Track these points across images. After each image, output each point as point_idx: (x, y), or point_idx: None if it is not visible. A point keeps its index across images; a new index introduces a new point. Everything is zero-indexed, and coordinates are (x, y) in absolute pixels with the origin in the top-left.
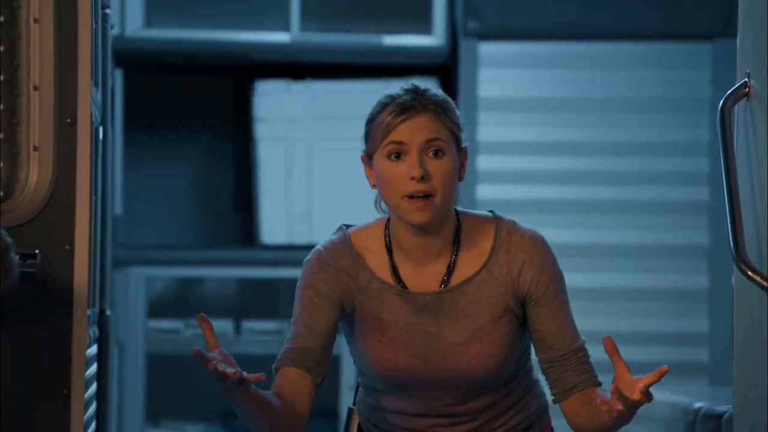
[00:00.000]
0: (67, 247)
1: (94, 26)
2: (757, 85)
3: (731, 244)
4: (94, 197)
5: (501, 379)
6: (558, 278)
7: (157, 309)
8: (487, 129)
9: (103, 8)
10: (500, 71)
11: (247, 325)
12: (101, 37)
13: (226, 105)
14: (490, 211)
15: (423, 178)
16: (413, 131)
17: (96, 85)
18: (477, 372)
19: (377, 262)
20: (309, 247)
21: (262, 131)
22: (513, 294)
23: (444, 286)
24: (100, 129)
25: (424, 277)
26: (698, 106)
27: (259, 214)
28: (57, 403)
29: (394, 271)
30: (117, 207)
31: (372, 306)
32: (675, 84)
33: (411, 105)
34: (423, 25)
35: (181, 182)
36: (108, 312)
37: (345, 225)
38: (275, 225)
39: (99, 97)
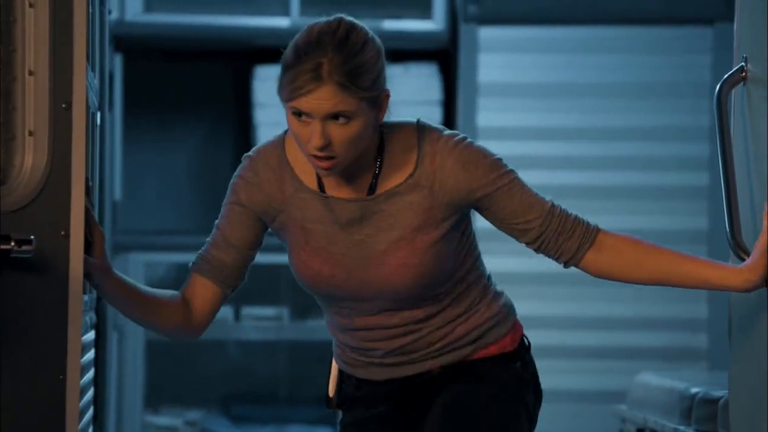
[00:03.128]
0: (63, 232)
1: (90, 10)
2: (754, 70)
3: (727, 229)
4: (92, 182)
5: (432, 290)
6: (494, 166)
7: None
8: (487, 114)
9: None
10: (500, 56)
11: (247, 311)
12: (98, 21)
13: (226, 90)
14: (417, 120)
15: (324, 148)
16: (316, 103)
17: (93, 69)
18: (397, 281)
19: (305, 170)
20: None
21: (261, 116)
22: (445, 203)
23: (370, 194)
24: (98, 114)
25: (350, 187)
26: (698, 91)
27: None
28: (52, 389)
29: (320, 180)
30: (116, 192)
31: (298, 215)
32: (675, 69)
33: (312, 78)
34: (423, 9)
35: (180, 167)
36: None
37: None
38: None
39: (96, 82)
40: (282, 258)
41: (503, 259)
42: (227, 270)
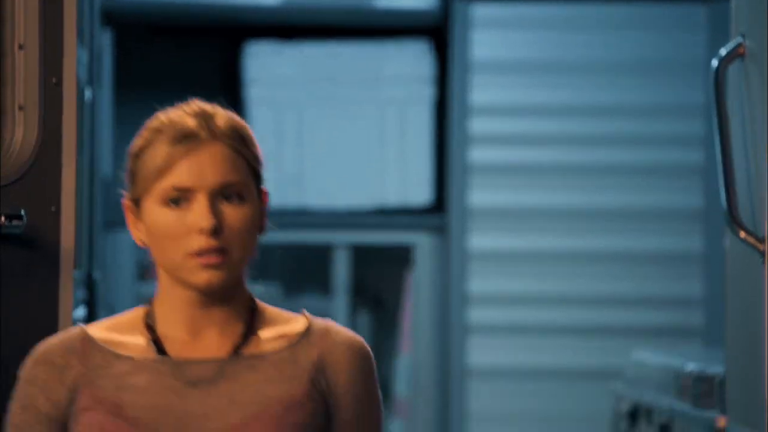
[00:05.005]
0: (53, 208)
1: None
2: (752, 46)
3: (724, 205)
4: (81, 158)
5: None
6: (373, 399)
7: (147, 272)
8: (480, 91)
9: None
10: (493, 33)
11: None
12: None
13: (216, 67)
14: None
15: (216, 232)
16: (201, 170)
17: (83, 45)
18: None
19: (128, 341)
20: (301, 212)
21: (251, 93)
22: (319, 392)
23: (233, 355)
24: (88, 90)
25: (203, 345)
26: (693, 68)
27: None
28: None
29: (157, 343)
30: (106, 169)
31: (110, 386)
32: (669, 46)
33: (195, 132)
34: None
35: None
36: (97, 274)
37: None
38: (266, 188)
39: (86, 57)
40: (271, 236)
41: (499, 235)
42: None
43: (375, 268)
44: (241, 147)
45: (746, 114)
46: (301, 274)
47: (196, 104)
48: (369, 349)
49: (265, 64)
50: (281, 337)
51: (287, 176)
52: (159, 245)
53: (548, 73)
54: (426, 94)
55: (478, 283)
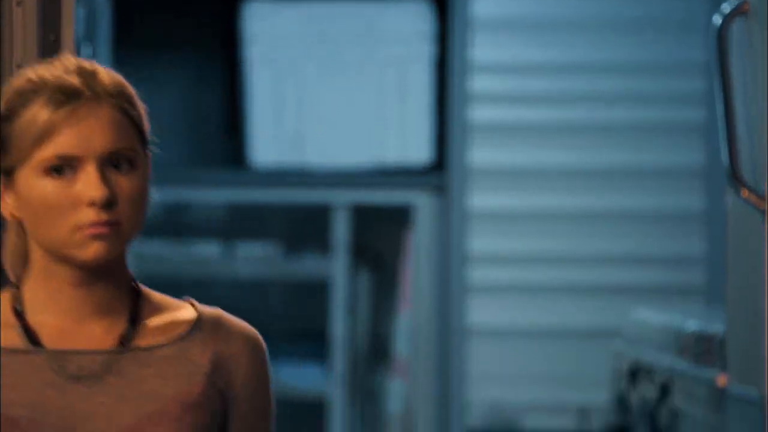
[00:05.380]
0: None
1: None
2: (756, 3)
3: (726, 162)
4: None
5: None
6: (267, 392)
7: (145, 231)
8: (481, 49)
9: None
10: None
11: (236, 248)
12: None
13: (216, 26)
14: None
15: (109, 204)
16: (88, 135)
17: (81, 2)
18: None
19: None
20: (300, 171)
21: (251, 53)
22: (217, 389)
23: (121, 347)
24: (86, 47)
25: (85, 335)
26: (694, 26)
27: (249, 137)
28: None
29: (28, 332)
30: None
31: None
32: (670, 3)
33: (80, 91)
34: None
35: (170, 105)
36: None
37: None
38: (266, 147)
39: (83, 15)
40: (271, 194)
41: (499, 195)
42: None
43: (375, 228)
44: (129, 108)
45: (748, 72)
46: (301, 234)
47: (71, 60)
48: (262, 339)
49: (264, 23)
50: (171, 326)
51: (287, 136)
52: (38, 220)
53: (549, 30)
54: (426, 51)
55: (478, 242)
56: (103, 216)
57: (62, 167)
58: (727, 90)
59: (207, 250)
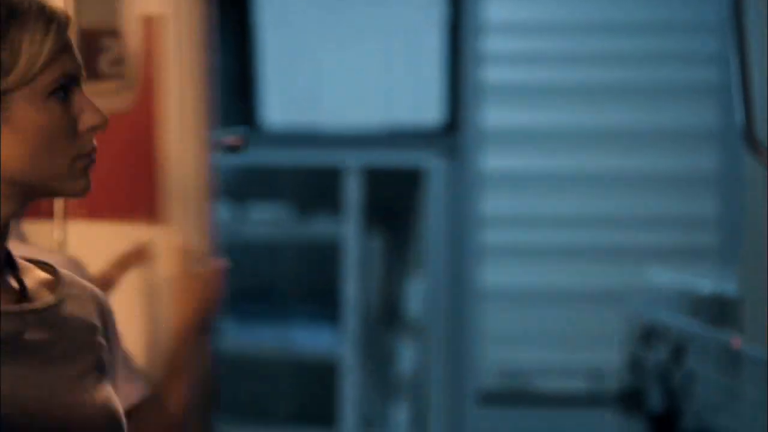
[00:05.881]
0: None
1: None
2: None
3: (742, 123)
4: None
5: None
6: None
7: None
8: (494, 8)
9: None
10: None
11: (248, 210)
12: None
13: None
14: None
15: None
16: (77, 56)
17: None
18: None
19: None
20: (312, 132)
21: (263, 15)
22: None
23: (24, 305)
24: None
25: None
26: None
27: (261, 98)
28: None
29: None
30: None
31: None
32: None
33: (65, 12)
34: None
35: None
36: None
37: None
38: (277, 109)
39: None
40: (285, 155)
41: (512, 157)
42: None
43: (387, 189)
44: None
45: (764, 32)
46: (313, 195)
47: None
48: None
49: None
50: (44, 284)
51: (298, 97)
52: (39, 149)
53: None
54: (439, 12)
55: (491, 204)
56: (95, 144)
57: (65, 89)
58: (743, 50)
59: (219, 212)
